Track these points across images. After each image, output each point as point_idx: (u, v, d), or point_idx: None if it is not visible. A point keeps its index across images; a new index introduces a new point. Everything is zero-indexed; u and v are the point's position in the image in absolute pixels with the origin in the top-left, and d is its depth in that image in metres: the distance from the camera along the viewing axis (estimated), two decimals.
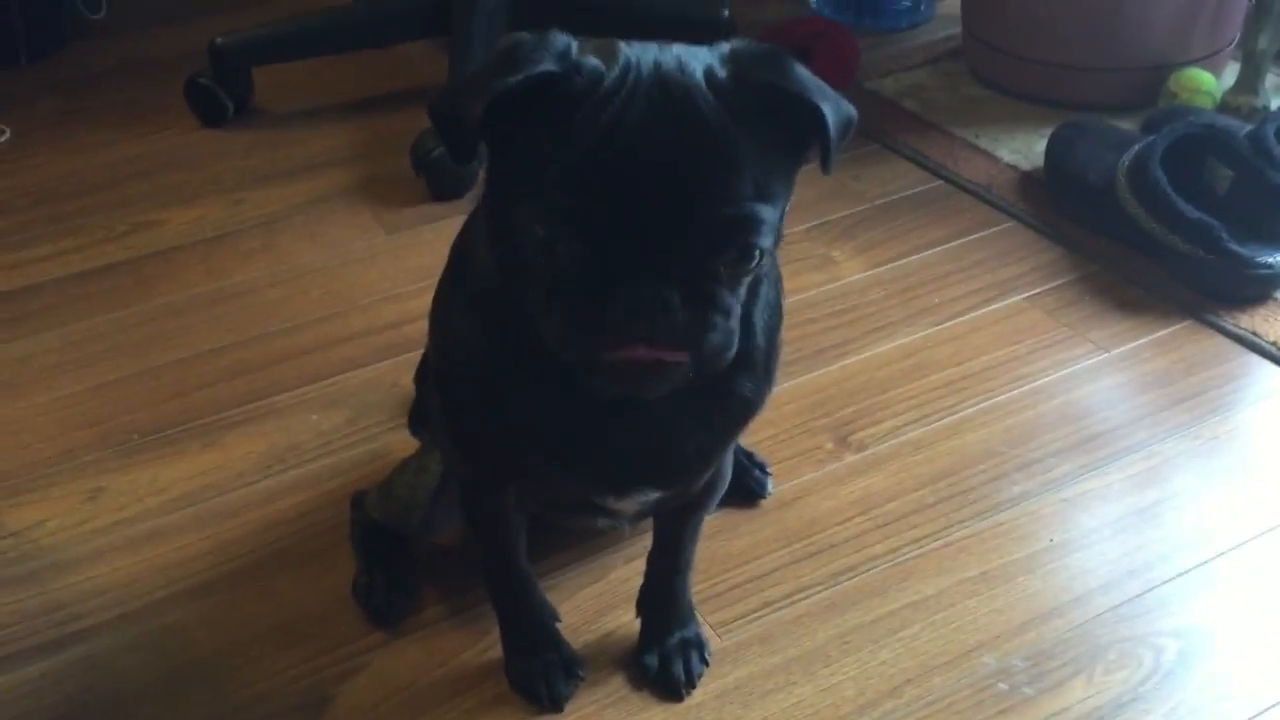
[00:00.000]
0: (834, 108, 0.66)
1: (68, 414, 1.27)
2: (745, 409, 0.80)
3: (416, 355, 1.30)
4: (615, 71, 0.64)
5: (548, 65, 0.63)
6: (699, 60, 0.66)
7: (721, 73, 0.65)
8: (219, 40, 1.78)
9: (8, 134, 1.82)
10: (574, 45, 0.65)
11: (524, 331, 0.70)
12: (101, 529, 1.13)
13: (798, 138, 0.67)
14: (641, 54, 0.65)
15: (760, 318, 0.77)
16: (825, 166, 0.67)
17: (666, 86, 0.64)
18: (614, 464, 0.79)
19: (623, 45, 0.66)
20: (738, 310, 0.68)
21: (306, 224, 1.59)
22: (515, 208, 0.66)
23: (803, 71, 0.67)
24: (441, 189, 1.60)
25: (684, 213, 0.63)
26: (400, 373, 1.30)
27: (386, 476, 1.06)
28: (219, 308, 1.43)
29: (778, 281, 0.81)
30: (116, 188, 1.68)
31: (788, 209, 0.70)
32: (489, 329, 0.77)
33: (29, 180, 1.71)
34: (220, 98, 1.80)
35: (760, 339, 0.78)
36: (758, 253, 0.66)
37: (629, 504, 0.85)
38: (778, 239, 0.70)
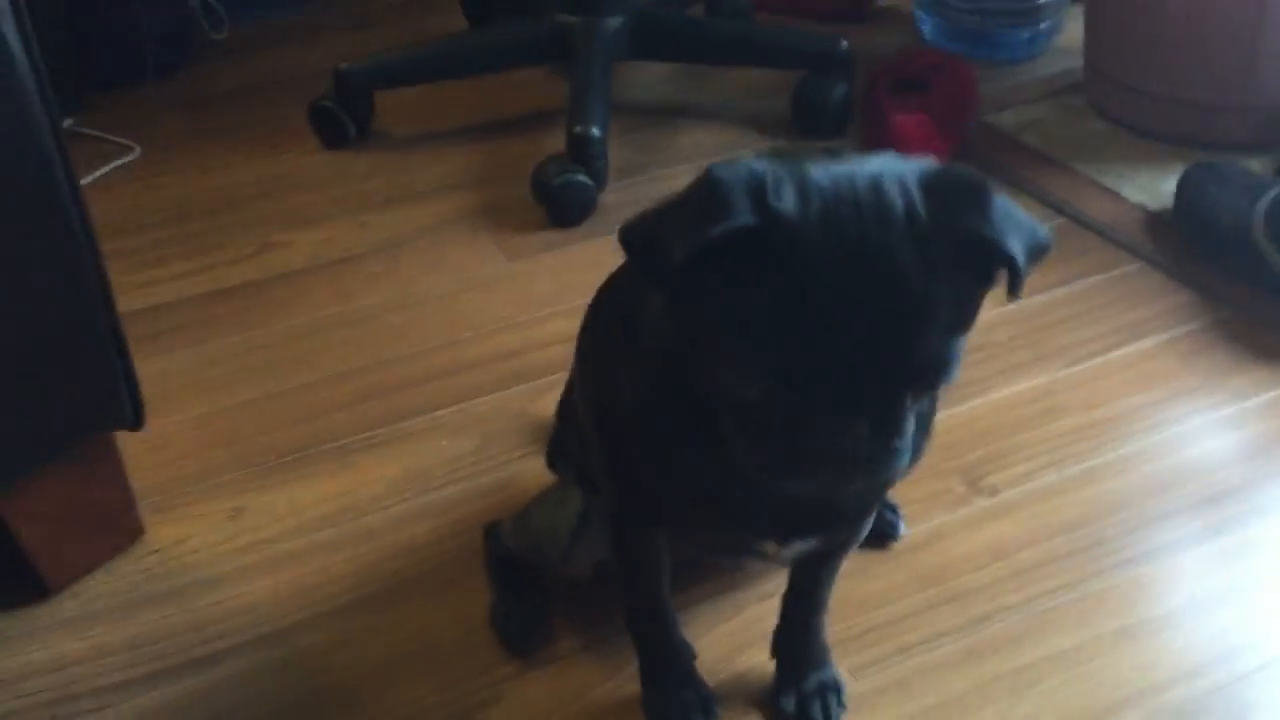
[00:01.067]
0: (1026, 244, 0.66)
1: (204, 433, 1.30)
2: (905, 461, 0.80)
3: (540, 383, 1.32)
4: (813, 219, 0.63)
5: (746, 216, 0.63)
6: (897, 192, 0.64)
7: (922, 212, 0.64)
8: (343, 65, 1.82)
9: (137, 152, 1.87)
10: (769, 180, 0.64)
11: (695, 396, 0.71)
12: (243, 548, 1.15)
13: (991, 267, 0.67)
14: (838, 185, 0.64)
15: None
16: (1012, 296, 0.67)
17: (868, 240, 0.63)
18: (779, 516, 0.79)
19: (816, 173, 0.64)
20: (912, 428, 0.69)
21: (429, 248, 1.61)
22: (711, 346, 0.68)
23: (1000, 209, 0.65)
24: (563, 216, 1.61)
25: (882, 364, 0.64)
26: (525, 401, 1.31)
27: (523, 508, 1.07)
28: (346, 331, 1.46)
29: None
30: (244, 208, 1.72)
31: None
32: (660, 387, 0.78)
33: (159, 199, 1.76)
34: (343, 121, 1.84)
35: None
36: (945, 384, 0.67)
37: (789, 550, 0.85)
38: None
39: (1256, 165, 1.59)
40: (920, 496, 1.18)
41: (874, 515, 0.93)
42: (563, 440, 1.06)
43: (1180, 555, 1.11)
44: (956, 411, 1.29)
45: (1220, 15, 1.62)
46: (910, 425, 0.68)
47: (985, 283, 0.68)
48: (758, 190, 0.63)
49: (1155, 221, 1.56)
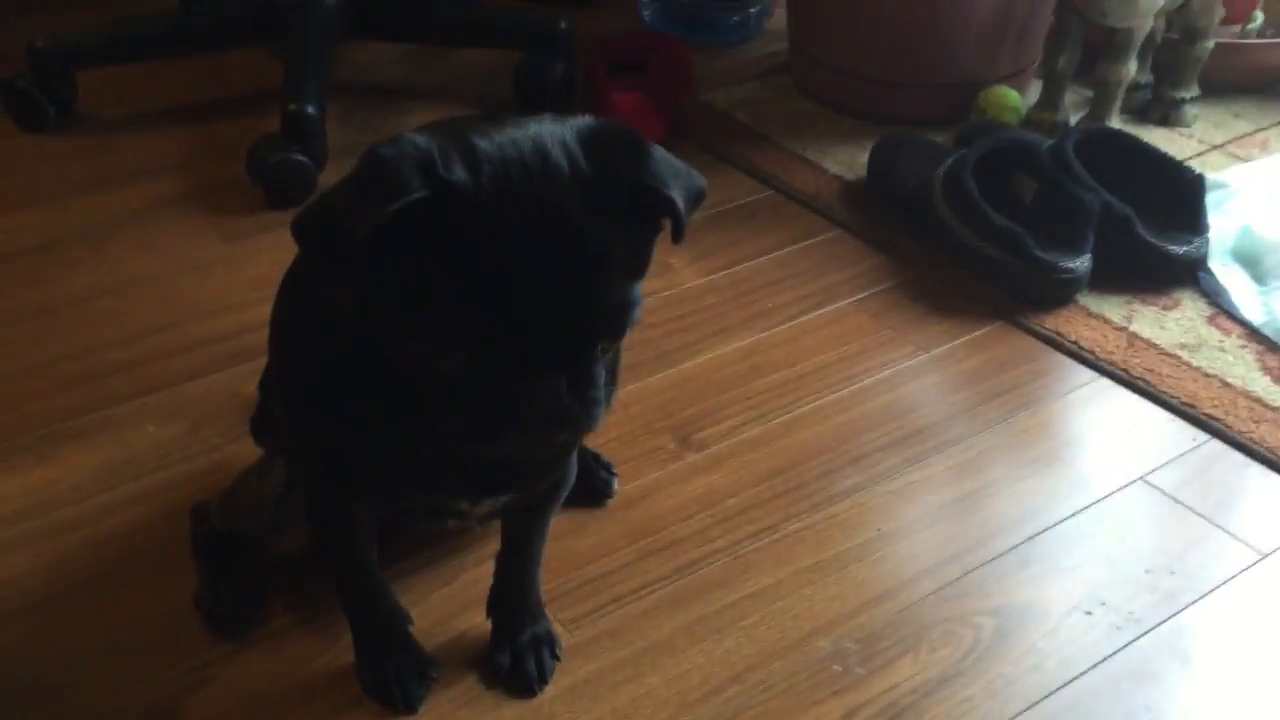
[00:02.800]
0: (684, 189, 0.71)
1: None
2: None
3: (258, 365, 1.28)
4: (485, 185, 0.65)
5: (418, 190, 0.64)
6: (561, 152, 0.67)
7: (585, 167, 0.67)
8: (38, 42, 1.72)
9: None
10: (436, 153, 0.65)
11: (376, 361, 0.72)
12: None
13: (655, 214, 0.71)
14: (504, 151, 0.66)
15: None
16: (676, 239, 0.71)
17: (538, 200, 0.66)
18: (467, 476, 0.81)
19: (482, 143, 0.66)
20: (603, 376, 0.72)
21: (138, 232, 1.55)
22: (399, 321, 0.69)
23: (658, 159, 0.70)
24: (280, 196, 1.58)
25: (569, 316, 0.67)
26: (241, 382, 1.28)
27: (229, 485, 1.05)
28: (46, 319, 1.39)
29: None
30: None
31: None
32: (344, 358, 0.78)
33: None
34: (41, 102, 1.74)
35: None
36: (629, 328, 0.70)
37: (481, 508, 0.87)
38: None
39: (942, 137, 1.72)
40: (634, 455, 1.23)
41: (574, 468, 0.97)
42: (265, 413, 1.05)
43: (871, 493, 1.20)
44: (668, 374, 1.34)
45: (901, 2, 1.74)
46: (602, 373, 0.72)
47: (653, 229, 0.72)
48: (426, 163, 0.65)
49: (851, 191, 1.66)
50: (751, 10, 2.10)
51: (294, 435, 0.87)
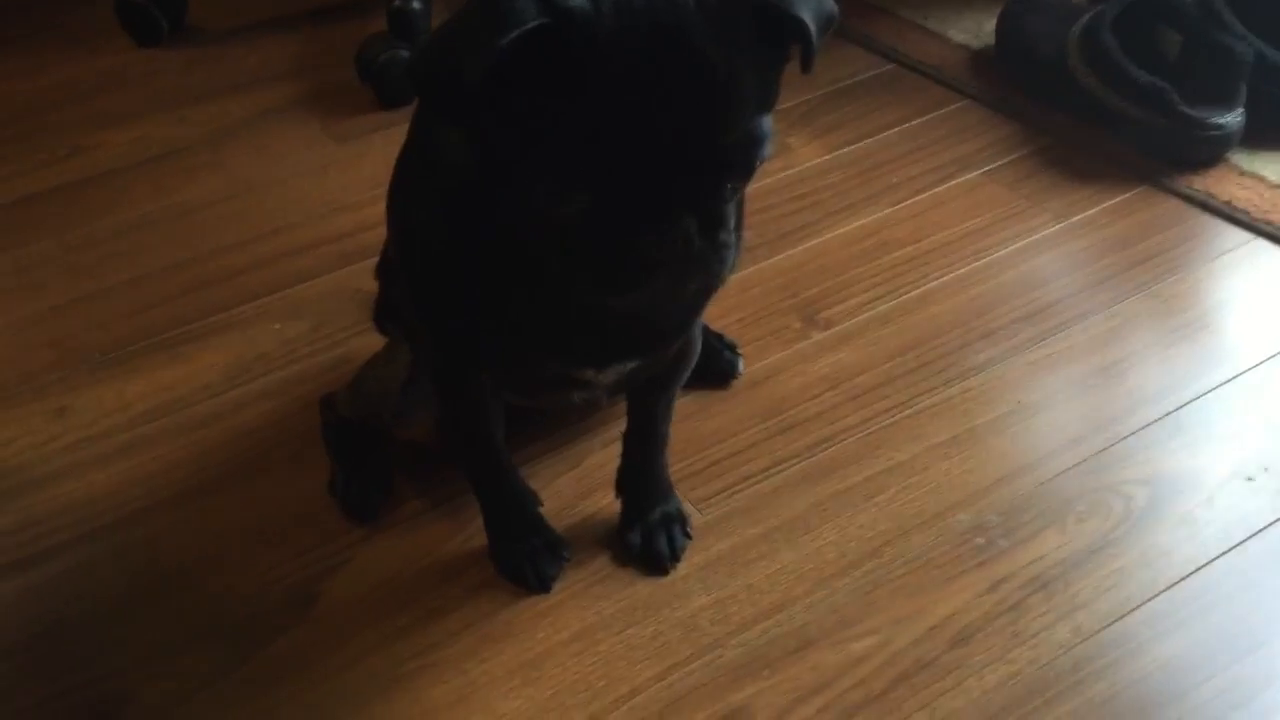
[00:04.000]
0: (815, 12, 0.66)
1: (25, 337, 1.24)
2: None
3: (373, 261, 1.29)
4: (605, 11, 0.61)
5: (535, 17, 0.60)
6: None
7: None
8: None
9: None
10: None
11: (498, 223, 0.70)
12: (70, 445, 1.11)
13: (783, 41, 0.67)
14: None
15: None
16: (806, 67, 0.67)
17: (662, 26, 0.61)
18: (593, 340, 0.79)
19: None
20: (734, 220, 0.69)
21: (253, 138, 1.55)
22: (520, 166, 0.65)
23: None
24: (390, 96, 1.57)
25: (698, 151, 0.63)
26: (360, 279, 1.28)
27: (356, 373, 1.06)
28: (170, 225, 1.41)
29: None
30: (51, 113, 1.63)
31: None
32: (460, 221, 0.76)
33: None
34: (154, 16, 1.75)
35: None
36: (761, 161, 0.66)
37: (607, 375, 0.84)
38: None
39: None
40: (758, 335, 1.19)
41: (699, 342, 0.94)
42: (387, 301, 1.04)
43: (1008, 366, 1.15)
44: (792, 253, 1.30)
45: None
46: (732, 216, 0.68)
47: (780, 56, 0.67)
48: None
49: (979, 59, 1.58)
50: None
51: (417, 310, 0.85)
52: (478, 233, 0.75)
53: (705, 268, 0.67)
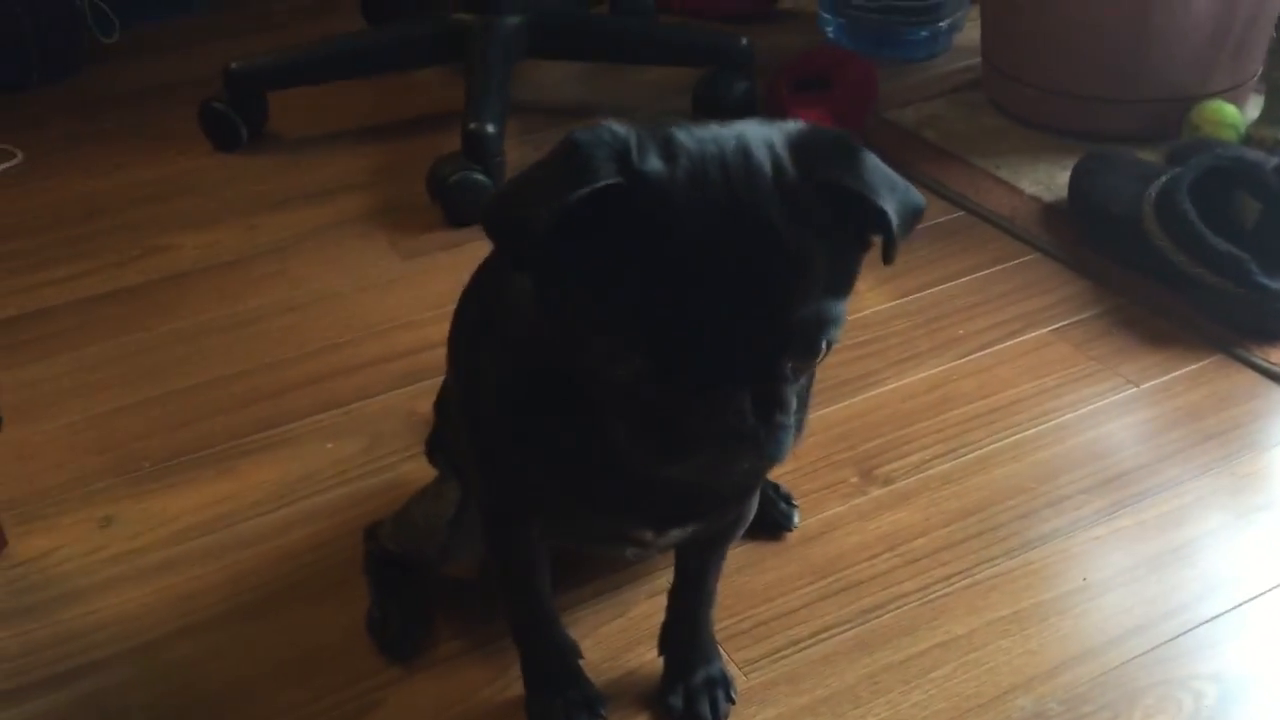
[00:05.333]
0: (900, 204, 0.64)
1: (78, 440, 1.25)
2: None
3: (434, 383, 1.28)
4: (680, 178, 0.61)
5: (610, 176, 0.60)
6: (765, 153, 0.62)
7: (790, 170, 0.62)
8: (234, 65, 1.77)
9: (20, 157, 1.81)
10: (633, 142, 0.61)
11: (562, 380, 0.69)
12: (112, 558, 1.10)
13: (865, 228, 0.65)
14: (703, 146, 0.62)
15: None
16: (887, 259, 0.65)
17: (736, 198, 0.61)
18: (652, 504, 0.77)
19: (681, 135, 0.63)
20: (797, 405, 0.67)
21: (321, 249, 1.57)
22: (578, 325, 0.64)
23: (871, 165, 0.64)
24: (459, 214, 1.58)
25: (757, 324, 0.61)
26: (417, 401, 1.28)
27: (402, 505, 1.04)
28: (232, 334, 1.41)
29: None
30: (129, 212, 1.67)
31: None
32: (524, 375, 0.75)
33: (41, 203, 1.70)
34: (234, 122, 1.79)
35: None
36: (827, 347, 0.64)
37: (666, 538, 0.82)
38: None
39: (1148, 155, 1.60)
40: (814, 488, 1.16)
41: (755, 501, 0.91)
42: (441, 434, 1.03)
43: (1073, 539, 1.10)
44: (852, 403, 1.27)
45: (1109, 8, 1.64)
46: (794, 400, 0.66)
47: (861, 243, 0.66)
48: (621, 152, 0.61)
49: (1050, 212, 1.57)
50: (941, 24, 2.02)
51: (474, 454, 0.84)
52: (541, 384, 0.74)
53: (757, 448, 0.65)
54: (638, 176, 0.60)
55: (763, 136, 0.63)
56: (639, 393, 0.64)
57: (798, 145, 0.63)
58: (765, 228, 0.60)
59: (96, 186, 1.74)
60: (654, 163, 0.61)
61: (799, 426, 0.68)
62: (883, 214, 0.62)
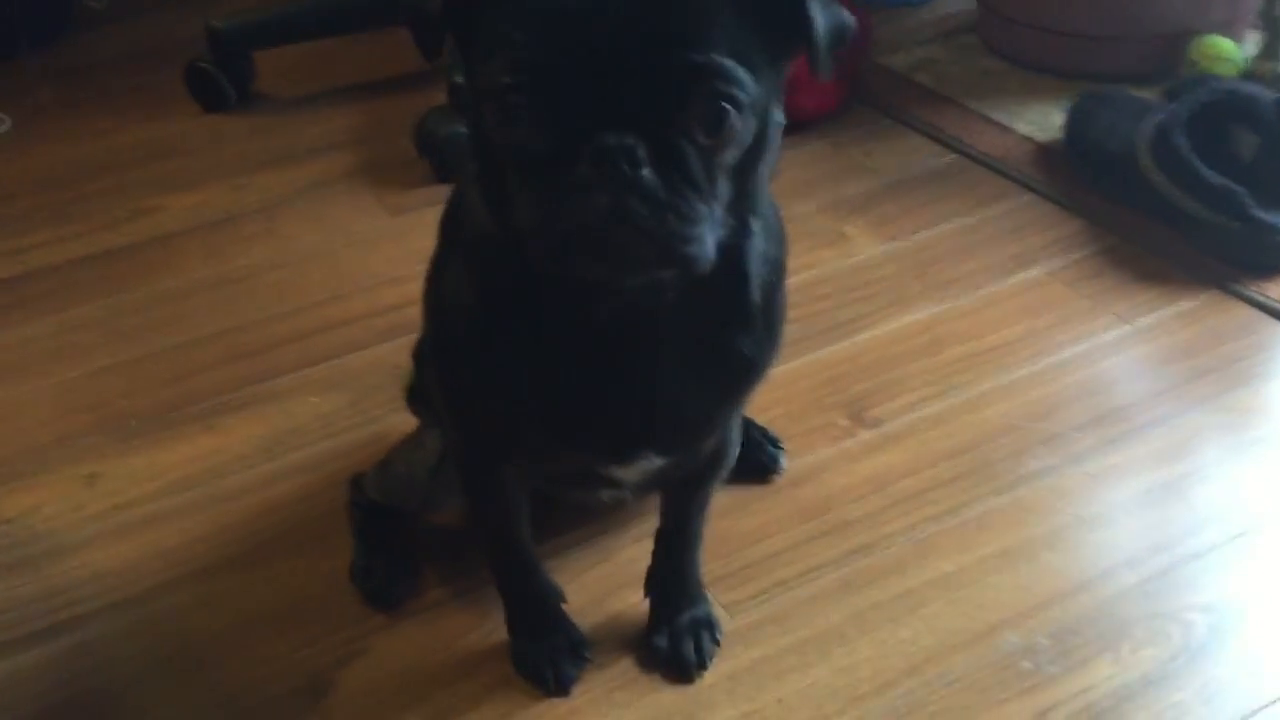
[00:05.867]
0: (822, 4, 0.63)
1: (64, 399, 1.24)
2: (746, 368, 0.77)
3: (417, 336, 1.28)
4: None
5: None
6: None
7: None
8: (217, 24, 1.76)
9: (8, 123, 1.80)
10: None
11: (517, 287, 0.68)
12: (98, 514, 1.10)
13: (784, 29, 0.63)
14: None
15: (756, 269, 0.73)
16: (813, 66, 0.63)
17: None
18: (613, 428, 0.76)
19: None
20: (717, 201, 0.63)
21: (309, 208, 1.56)
22: (481, 98, 0.63)
23: None
24: (445, 169, 1.57)
25: (648, 58, 0.59)
26: (402, 354, 1.24)
27: (385, 455, 1.03)
28: (219, 292, 1.41)
29: (780, 238, 0.77)
30: (117, 174, 1.66)
31: (777, 102, 0.66)
32: (482, 286, 0.74)
33: (29, 168, 1.69)
34: (221, 82, 1.78)
35: (756, 293, 0.74)
36: (732, 114, 0.61)
37: (632, 472, 0.81)
38: (765, 139, 0.65)
39: (1147, 93, 1.58)
40: (802, 431, 1.15)
41: (735, 443, 0.90)
42: (420, 383, 1.02)
43: (1065, 476, 1.09)
44: (841, 346, 1.26)
45: None
46: (704, 182, 0.62)
47: (780, 41, 0.64)
48: None
49: (1045, 153, 1.54)
50: None
51: (442, 389, 0.83)
52: (499, 296, 0.73)
53: (657, 212, 0.60)
54: None
55: None
56: (535, 147, 0.61)
57: None
58: None
59: (84, 150, 1.73)
60: None
61: (721, 214, 0.64)
62: (800, 5, 0.61)
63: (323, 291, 1.40)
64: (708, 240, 0.63)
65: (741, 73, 0.60)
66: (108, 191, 1.62)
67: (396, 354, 1.27)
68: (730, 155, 0.63)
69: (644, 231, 0.61)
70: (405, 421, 1.11)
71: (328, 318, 1.35)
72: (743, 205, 0.67)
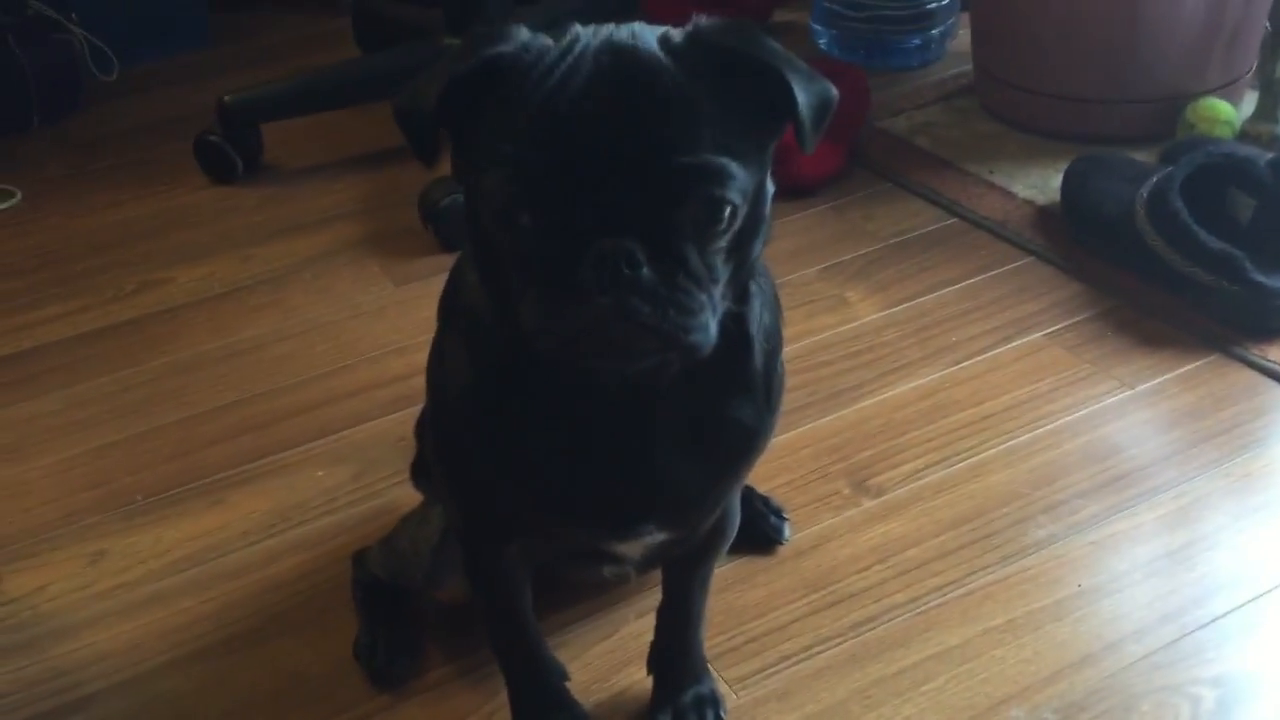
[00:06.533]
0: (805, 81, 0.64)
1: (70, 476, 1.25)
2: (746, 439, 0.77)
3: (422, 407, 1.28)
4: (565, 41, 0.64)
5: (499, 48, 0.64)
6: (654, 32, 0.65)
7: (678, 40, 0.64)
8: (227, 98, 1.78)
9: (19, 197, 1.82)
10: (523, 27, 0.65)
11: (515, 363, 0.69)
12: (102, 593, 1.10)
13: (769, 110, 0.65)
14: (598, 29, 0.65)
15: (757, 337, 0.74)
16: (801, 143, 0.64)
17: (616, 48, 0.63)
18: (614, 503, 0.76)
19: (576, 28, 0.65)
20: (716, 286, 0.65)
21: (315, 278, 1.57)
22: (481, 197, 0.64)
23: (772, 43, 0.65)
24: (450, 239, 1.58)
25: (640, 164, 0.61)
26: (406, 426, 1.26)
27: (389, 531, 1.04)
28: (225, 365, 1.42)
29: (775, 306, 0.78)
30: (125, 247, 1.68)
31: (770, 191, 0.68)
32: (478, 363, 0.75)
33: (38, 242, 1.71)
34: (229, 154, 1.80)
35: (758, 361, 0.75)
36: (726, 209, 0.63)
37: (633, 548, 0.81)
38: (759, 219, 0.67)
39: (1144, 155, 1.59)
40: (806, 500, 1.15)
41: (736, 517, 0.90)
42: (424, 459, 1.02)
43: (1069, 545, 1.09)
44: (844, 414, 1.26)
45: (1098, 12, 1.63)
46: (701, 272, 0.63)
47: (766, 122, 0.65)
48: (516, 33, 0.64)
49: (1044, 216, 1.55)
50: (933, 32, 2.01)
51: (442, 466, 0.84)
52: (497, 372, 0.74)
53: (658, 309, 0.62)
54: (524, 45, 0.64)
55: (660, 29, 0.65)
56: (534, 255, 0.63)
57: (693, 26, 0.65)
58: (646, 74, 0.62)
59: (93, 224, 1.75)
60: (540, 39, 0.64)
61: (719, 305, 0.65)
62: (783, 80, 0.63)
63: (328, 363, 1.40)
64: (710, 326, 0.64)
65: (732, 166, 0.62)
66: (115, 264, 1.63)
67: (400, 426, 1.28)
68: (726, 242, 0.65)
69: (647, 328, 0.62)
70: (409, 495, 1.12)
71: (333, 390, 1.36)
72: (741, 277, 0.69)
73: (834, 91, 0.66)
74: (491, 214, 0.64)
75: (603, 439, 0.73)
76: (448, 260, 1.54)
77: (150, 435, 1.30)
